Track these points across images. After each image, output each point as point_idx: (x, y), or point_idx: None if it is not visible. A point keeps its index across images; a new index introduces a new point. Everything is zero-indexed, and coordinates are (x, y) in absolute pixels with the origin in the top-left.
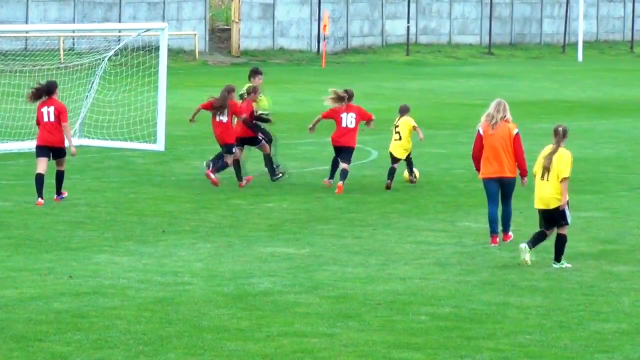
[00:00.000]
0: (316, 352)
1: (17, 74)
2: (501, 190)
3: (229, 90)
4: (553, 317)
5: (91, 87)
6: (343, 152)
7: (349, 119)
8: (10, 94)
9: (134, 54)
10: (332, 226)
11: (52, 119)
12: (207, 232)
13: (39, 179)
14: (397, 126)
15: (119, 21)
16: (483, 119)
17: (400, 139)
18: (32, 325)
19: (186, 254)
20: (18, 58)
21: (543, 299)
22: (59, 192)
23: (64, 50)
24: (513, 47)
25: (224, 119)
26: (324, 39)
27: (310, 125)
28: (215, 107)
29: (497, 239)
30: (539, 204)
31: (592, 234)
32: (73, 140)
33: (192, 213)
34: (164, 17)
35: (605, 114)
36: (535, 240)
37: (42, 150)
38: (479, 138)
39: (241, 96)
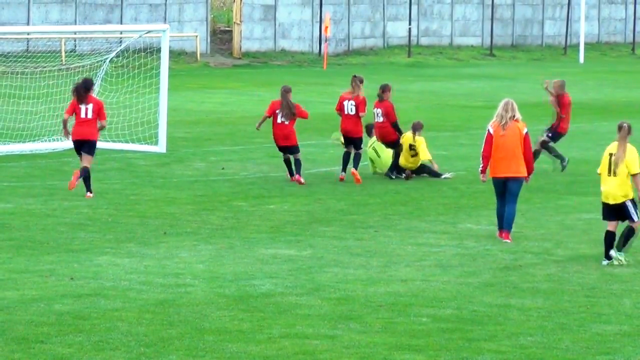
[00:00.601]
0: (317, 353)
1: (19, 75)
2: (508, 190)
3: (288, 91)
4: (554, 319)
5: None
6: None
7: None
8: (12, 95)
9: (136, 55)
10: (334, 228)
11: (89, 115)
12: (209, 233)
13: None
14: (412, 145)
15: (121, 23)
16: (493, 119)
17: (416, 154)
18: (34, 327)
19: (187, 256)
20: (20, 60)
21: (544, 300)
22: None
23: (65, 52)
24: (514, 48)
25: (286, 120)
26: (326, 41)
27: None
28: (283, 109)
29: (505, 234)
30: (606, 199)
31: (593, 236)
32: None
33: (194, 215)
34: (165, 19)
35: (606, 116)
36: (625, 239)
37: (77, 145)
38: (490, 137)
39: None
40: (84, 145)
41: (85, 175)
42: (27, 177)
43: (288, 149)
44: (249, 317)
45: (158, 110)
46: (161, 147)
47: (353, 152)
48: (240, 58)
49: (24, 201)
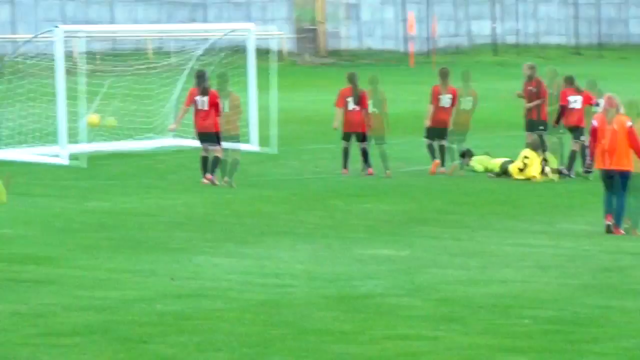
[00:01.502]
0: (420, 355)
1: (107, 74)
2: (616, 184)
3: (353, 77)
4: None
5: (179, 86)
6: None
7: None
8: (101, 93)
9: (221, 54)
10: (431, 227)
11: (205, 107)
12: (306, 233)
13: (203, 160)
14: (526, 157)
15: (205, 21)
16: (598, 113)
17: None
18: (136, 327)
19: (286, 256)
20: (107, 58)
21: None
22: (212, 172)
23: (152, 50)
24: (601, 47)
25: (357, 107)
26: (411, 39)
27: None
28: (355, 95)
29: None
30: None
31: None
32: (168, 141)
33: (290, 214)
34: (249, 17)
35: None
36: None
37: (201, 137)
38: (595, 131)
39: None
40: (208, 138)
41: (215, 163)
42: (122, 176)
43: (358, 136)
44: (350, 318)
45: (248, 108)
46: (254, 145)
47: (438, 144)
48: (326, 56)
49: (120, 199)
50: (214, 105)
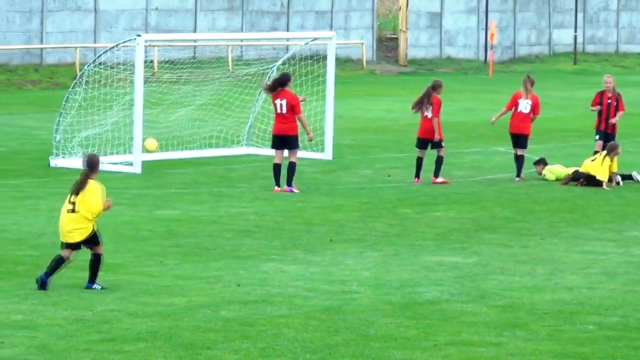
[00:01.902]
0: None
1: (186, 83)
2: None
3: (435, 87)
4: None
5: (259, 96)
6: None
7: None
8: (179, 103)
9: (302, 63)
10: (499, 235)
11: (284, 110)
12: (374, 240)
13: (276, 168)
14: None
15: (287, 30)
16: None
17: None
18: (201, 333)
19: (353, 263)
20: (187, 67)
21: None
22: (289, 183)
23: (232, 59)
24: None
25: (429, 114)
26: (491, 48)
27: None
28: (417, 102)
29: None
30: None
31: None
32: (242, 149)
33: (359, 222)
34: (331, 26)
35: None
36: None
37: (276, 141)
38: None
39: None
40: (284, 141)
41: (291, 168)
42: (193, 184)
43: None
44: (415, 324)
45: (324, 117)
46: (327, 154)
47: (518, 152)
48: (406, 65)
49: (190, 208)
50: (291, 108)
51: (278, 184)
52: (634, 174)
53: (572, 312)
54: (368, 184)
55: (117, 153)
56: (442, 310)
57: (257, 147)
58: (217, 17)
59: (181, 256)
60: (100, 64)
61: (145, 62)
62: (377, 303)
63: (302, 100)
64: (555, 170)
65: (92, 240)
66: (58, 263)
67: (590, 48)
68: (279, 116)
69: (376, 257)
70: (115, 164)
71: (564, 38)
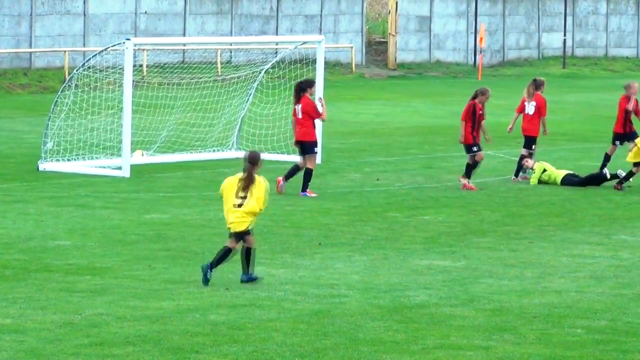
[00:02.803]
0: None
1: (175, 86)
2: None
3: (479, 93)
4: None
5: (247, 100)
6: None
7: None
8: (167, 106)
9: (291, 67)
10: (488, 239)
11: (299, 115)
12: (363, 244)
13: (294, 167)
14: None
15: (276, 34)
16: None
17: None
18: (189, 337)
19: (342, 267)
20: (176, 71)
21: None
22: (303, 189)
23: (221, 63)
24: None
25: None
26: (481, 52)
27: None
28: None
29: None
30: None
31: None
32: (231, 153)
33: (348, 225)
34: (320, 30)
35: None
36: None
37: (298, 147)
38: None
39: None
40: (302, 146)
41: (306, 174)
42: (182, 188)
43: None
44: (404, 328)
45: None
46: (316, 159)
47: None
48: (395, 69)
49: (179, 211)
50: (306, 113)
51: (285, 177)
52: (618, 172)
53: (560, 316)
54: (357, 188)
55: (106, 157)
56: (430, 314)
57: (246, 150)
58: (206, 20)
59: (170, 260)
60: (89, 67)
61: (135, 66)
62: (365, 307)
63: (319, 101)
64: (545, 166)
65: (247, 233)
66: (225, 255)
67: (579, 52)
68: (297, 122)
69: (365, 261)
70: (104, 167)
71: (553, 42)
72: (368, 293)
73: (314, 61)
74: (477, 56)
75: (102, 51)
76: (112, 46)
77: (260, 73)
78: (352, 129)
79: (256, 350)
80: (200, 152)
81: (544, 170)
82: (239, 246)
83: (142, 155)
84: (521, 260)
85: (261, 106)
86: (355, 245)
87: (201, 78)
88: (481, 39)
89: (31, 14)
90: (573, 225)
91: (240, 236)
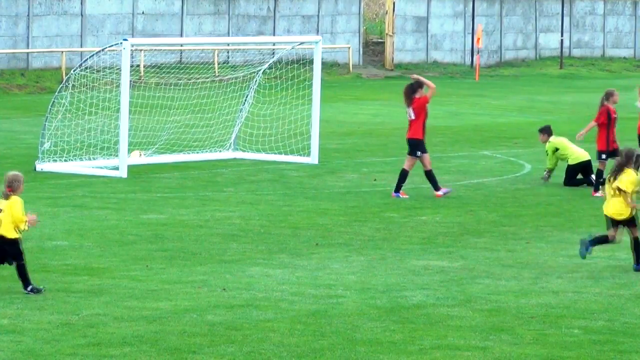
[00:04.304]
0: None
1: (172, 87)
2: None
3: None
4: None
5: (245, 100)
6: None
7: None
8: (165, 106)
9: (289, 67)
10: (485, 239)
11: (412, 117)
12: (361, 245)
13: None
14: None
15: (273, 34)
16: None
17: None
18: (186, 338)
19: (339, 267)
20: (173, 71)
21: None
22: (397, 189)
23: (218, 64)
24: None
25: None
26: (478, 52)
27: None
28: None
29: None
30: None
31: None
32: (229, 153)
33: (346, 226)
34: (318, 31)
35: None
36: None
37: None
38: None
39: None
40: (409, 145)
41: (401, 175)
42: (179, 188)
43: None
44: (401, 329)
45: (311, 121)
46: (314, 159)
47: None
48: (392, 70)
49: (176, 212)
50: (421, 109)
51: (435, 188)
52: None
53: (557, 316)
54: (354, 188)
55: (103, 157)
56: (428, 315)
57: (244, 151)
58: (203, 21)
59: (167, 260)
60: (86, 68)
61: (132, 66)
62: (363, 307)
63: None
64: (560, 144)
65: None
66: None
67: (576, 52)
68: (411, 123)
69: (362, 262)
70: (101, 168)
71: (550, 42)
72: (365, 293)
73: (311, 61)
74: (475, 57)
75: (99, 52)
76: (109, 47)
77: (257, 74)
78: (350, 129)
79: (253, 350)
80: (197, 152)
81: (556, 149)
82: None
83: (140, 155)
84: (518, 260)
85: (258, 106)
86: (352, 245)
87: (198, 78)
88: (478, 39)
89: (28, 15)
90: (570, 226)
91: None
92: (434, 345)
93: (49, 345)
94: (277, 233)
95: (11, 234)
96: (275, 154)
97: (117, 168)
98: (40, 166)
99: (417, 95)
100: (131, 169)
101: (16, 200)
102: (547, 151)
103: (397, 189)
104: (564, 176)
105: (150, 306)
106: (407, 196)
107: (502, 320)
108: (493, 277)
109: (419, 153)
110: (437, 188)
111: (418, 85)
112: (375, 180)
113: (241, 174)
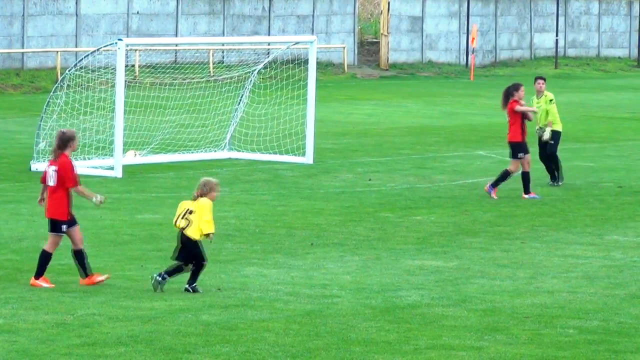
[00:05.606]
0: None
1: (167, 86)
2: None
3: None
4: None
5: (240, 100)
6: None
7: None
8: (160, 106)
9: (283, 67)
10: (480, 239)
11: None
12: (355, 244)
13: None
14: None
15: (268, 34)
16: None
17: None
18: (181, 338)
19: (334, 267)
20: (168, 71)
21: None
22: (493, 184)
23: (213, 64)
24: None
25: None
26: (473, 52)
27: None
28: None
29: None
30: None
31: None
32: (224, 153)
33: (340, 226)
34: (313, 31)
35: None
36: None
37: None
38: None
39: None
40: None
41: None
42: (174, 188)
43: None
44: (396, 328)
45: (305, 121)
46: (308, 159)
47: None
48: (387, 69)
49: (172, 212)
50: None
51: (529, 191)
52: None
53: (552, 316)
54: (349, 188)
55: (98, 157)
56: (423, 314)
57: (239, 151)
58: (198, 21)
59: (162, 260)
60: (81, 68)
61: (127, 66)
62: (358, 307)
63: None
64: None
65: None
66: None
67: (571, 52)
68: (508, 126)
69: (357, 261)
70: (96, 168)
71: (545, 42)
72: (360, 293)
73: (306, 61)
74: (469, 56)
75: (94, 51)
76: (104, 46)
77: (252, 73)
78: (344, 129)
79: (248, 350)
80: (192, 152)
81: (551, 100)
82: None
83: (135, 155)
84: (513, 260)
85: (253, 106)
86: (347, 245)
87: (193, 78)
88: (473, 39)
89: (23, 14)
90: (565, 226)
91: None
92: (429, 345)
93: (44, 345)
94: (272, 233)
95: (196, 236)
96: (270, 153)
97: (112, 168)
98: (36, 166)
99: (516, 98)
100: (126, 168)
101: (205, 203)
102: (543, 102)
103: (526, 190)
104: (539, 150)
105: (145, 306)
106: (496, 197)
107: (497, 320)
108: (488, 277)
109: (521, 155)
110: (527, 191)
111: (514, 88)
112: (370, 180)
113: (236, 174)
